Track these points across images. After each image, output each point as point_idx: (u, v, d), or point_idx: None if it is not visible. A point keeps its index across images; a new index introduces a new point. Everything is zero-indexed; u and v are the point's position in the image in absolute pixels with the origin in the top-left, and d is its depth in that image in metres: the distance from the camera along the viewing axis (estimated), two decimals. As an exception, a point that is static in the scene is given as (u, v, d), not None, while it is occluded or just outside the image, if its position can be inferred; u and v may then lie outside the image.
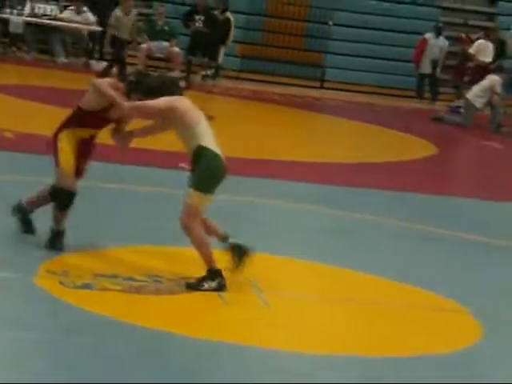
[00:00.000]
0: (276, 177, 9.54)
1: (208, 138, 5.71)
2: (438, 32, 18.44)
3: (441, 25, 18.77)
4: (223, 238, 5.79)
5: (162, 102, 5.67)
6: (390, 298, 6.13)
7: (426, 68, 18.51)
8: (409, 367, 5.01)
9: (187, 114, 5.66)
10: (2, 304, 5.09)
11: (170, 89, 5.78)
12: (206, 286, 5.58)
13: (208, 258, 5.62)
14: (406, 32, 19.50)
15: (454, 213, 9.29)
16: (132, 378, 4.36)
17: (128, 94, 5.82)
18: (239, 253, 5.72)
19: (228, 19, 17.41)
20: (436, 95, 18.72)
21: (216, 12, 17.68)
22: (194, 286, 5.60)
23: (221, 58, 17.36)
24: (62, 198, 5.94)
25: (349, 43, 19.43)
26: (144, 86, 5.78)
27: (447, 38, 18.70)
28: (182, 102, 5.72)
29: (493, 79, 15.85)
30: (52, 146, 6.03)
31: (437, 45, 18.37)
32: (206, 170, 5.65)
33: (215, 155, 5.69)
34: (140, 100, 5.79)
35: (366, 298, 6.03)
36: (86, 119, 5.95)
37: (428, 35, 18.47)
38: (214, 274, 5.60)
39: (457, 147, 15.26)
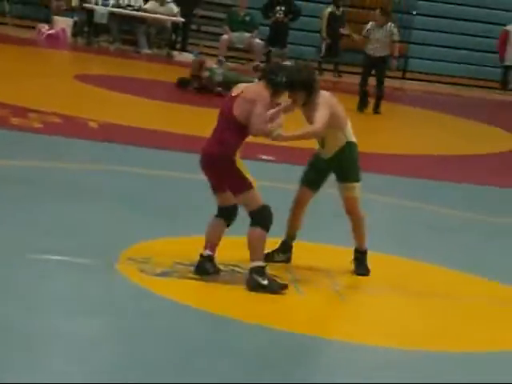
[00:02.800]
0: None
1: (351, 131, 5.89)
2: (519, 23, 18.07)
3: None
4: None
5: (324, 117, 5.58)
6: (469, 292, 6.05)
7: (509, 60, 18.16)
8: (485, 362, 4.95)
9: (340, 116, 5.79)
10: (84, 290, 5.22)
11: (313, 83, 5.65)
12: None
13: (364, 239, 5.95)
14: (490, 22, 19.15)
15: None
16: (207, 362, 4.43)
17: (274, 93, 5.44)
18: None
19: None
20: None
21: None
22: None
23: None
24: (268, 216, 5.35)
25: (432, 33, 19.19)
26: (288, 83, 5.50)
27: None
28: (335, 108, 5.73)
29: None
30: (222, 168, 5.36)
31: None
32: (356, 161, 5.88)
33: (357, 146, 5.91)
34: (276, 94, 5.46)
35: (445, 293, 5.96)
36: (246, 134, 5.43)
37: (509, 26, 18.12)
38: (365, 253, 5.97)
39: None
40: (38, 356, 4.23)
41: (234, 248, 6.15)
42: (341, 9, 17.55)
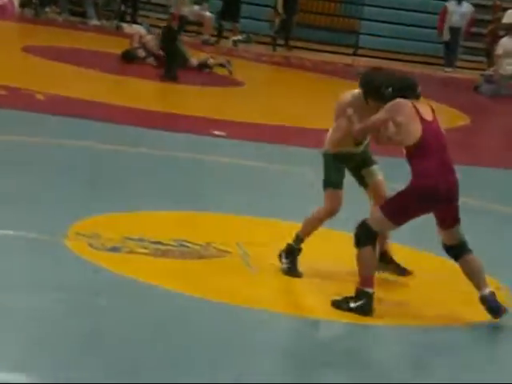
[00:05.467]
0: (304, 145, 9.48)
1: None
2: (459, -2, 18.18)
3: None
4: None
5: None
6: (421, 269, 6.07)
7: (446, 35, 18.32)
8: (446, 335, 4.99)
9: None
10: (31, 265, 5.13)
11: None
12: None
13: None
14: (441, -1, 19.25)
15: (486, 184, 9.18)
16: (157, 337, 4.39)
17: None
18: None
19: None
20: (452, 62, 18.49)
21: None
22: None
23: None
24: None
25: (384, 9, 19.22)
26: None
27: (477, 5, 18.43)
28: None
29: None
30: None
31: (458, 12, 18.11)
32: None
33: None
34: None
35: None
36: None
37: (448, 3, 18.25)
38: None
39: (490, 117, 15.07)
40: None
41: (181, 224, 6.10)
42: None
